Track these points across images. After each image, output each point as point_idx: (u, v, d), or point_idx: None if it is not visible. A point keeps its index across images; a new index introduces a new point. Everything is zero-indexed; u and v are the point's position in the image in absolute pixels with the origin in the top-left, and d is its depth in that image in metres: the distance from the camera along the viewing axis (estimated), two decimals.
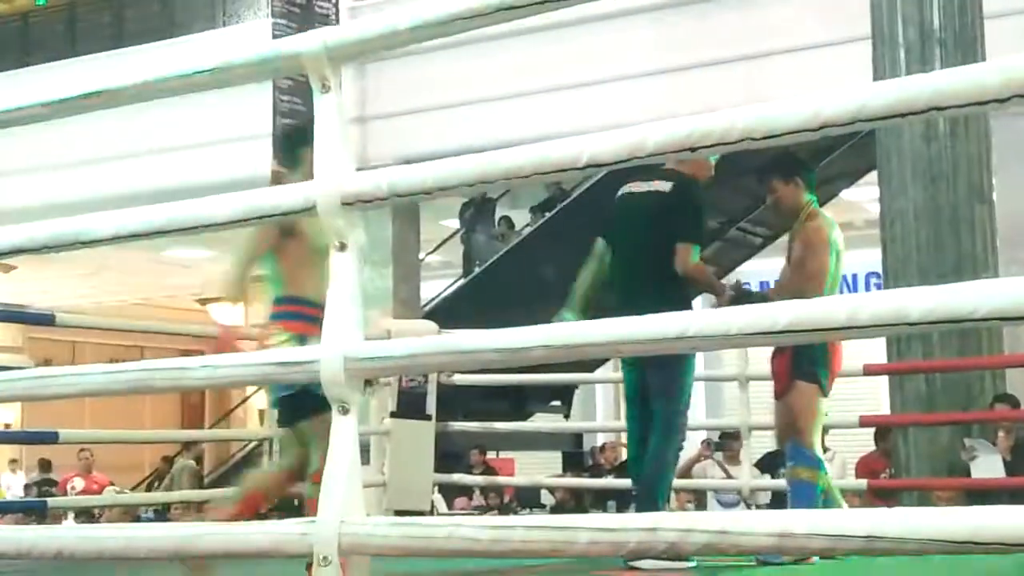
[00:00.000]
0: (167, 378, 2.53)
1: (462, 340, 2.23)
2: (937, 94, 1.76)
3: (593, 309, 4.52)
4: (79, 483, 11.87)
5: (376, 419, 7.51)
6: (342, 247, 2.29)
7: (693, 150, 1.98)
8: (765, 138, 1.89)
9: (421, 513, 6.69)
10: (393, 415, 7.20)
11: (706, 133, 1.94)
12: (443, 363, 2.43)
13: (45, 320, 6.61)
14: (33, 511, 8.42)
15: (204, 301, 19.73)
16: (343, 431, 2.25)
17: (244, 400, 18.83)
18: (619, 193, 4.93)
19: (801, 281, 4.61)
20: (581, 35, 10.61)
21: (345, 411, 2.24)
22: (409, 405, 7.15)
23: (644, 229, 4.68)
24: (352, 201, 2.28)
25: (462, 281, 12.16)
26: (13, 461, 13.27)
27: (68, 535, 2.58)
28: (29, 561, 4.00)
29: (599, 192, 11.09)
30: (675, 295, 4.48)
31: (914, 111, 1.80)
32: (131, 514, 9.95)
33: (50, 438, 8.27)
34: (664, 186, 4.71)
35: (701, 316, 2.00)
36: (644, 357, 4.57)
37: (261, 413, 17.60)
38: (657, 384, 4.80)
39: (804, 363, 4.61)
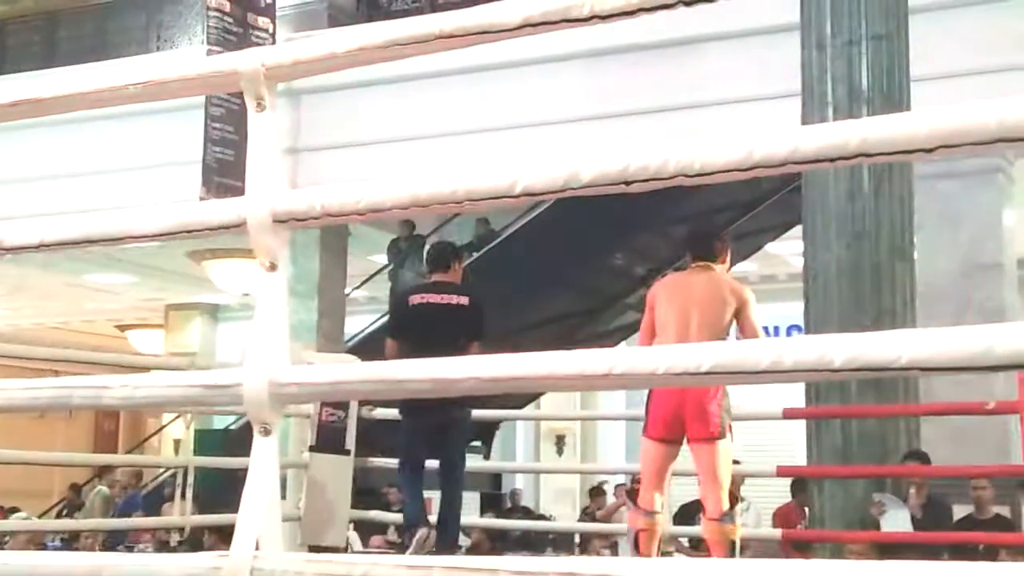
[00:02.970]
0: (86, 396, 2.47)
1: (390, 368, 2.21)
2: (866, 141, 1.79)
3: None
4: None
5: (295, 452, 7.44)
6: (271, 267, 2.27)
7: (628, 183, 1.99)
8: (699, 175, 1.91)
9: (336, 550, 6.61)
10: (312, 449, 7.13)
11: (642, 167, 1.95)
12: (370, 391, 2.39)
13: None
14: None
15: (124, 328, 19.46)
16: (263, 455, 2.20)
17: (159, 429, 18.56)
18: (413, 302, 6.17)
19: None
20: (517, 77, 10.69)
21: (267, 432, 2.20)
22: (328, 439, 7.08)
23: (445, 332, 5.72)
24: (284, 219, 2.26)
25: (387, 318, 12.12)
26: None
27: None
28: None
29: (528, 234, 11.18)
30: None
31: (844, 155, 1.83)
32: (36, 542, 9.71)
33: None
34: (463, 300, 6.07)
35: (628, 354, 2.00)
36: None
37: (176, 443, 17.34)
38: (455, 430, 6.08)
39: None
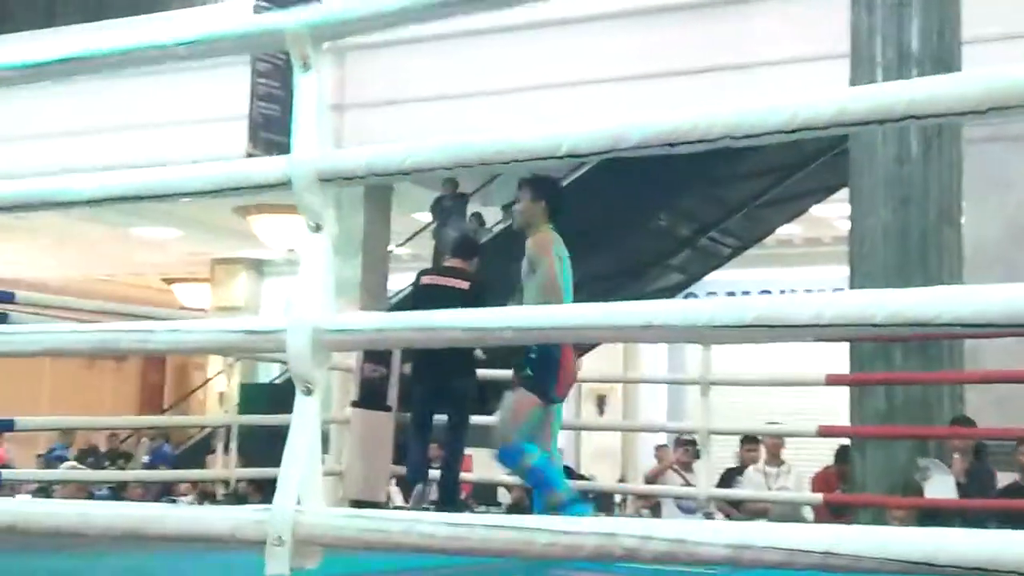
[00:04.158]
0: (133, 340, 2.50)
1: (430, 318, 2.22)
2: (915, 102, 1.77)
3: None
4: None
5: (337, 407, 7.50)
6: (317, 228, 2.28)
7: (674, 145, 1.98)
8: (745, 137, 1.90)
9: (376, 504, 6.67)
10: (354, 404, 7.19)
11: (689, 129, 1.94)
12: (410, 339, 2.41)
13: (4, 298, 6.54)
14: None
15: (170, 281, 19.63)
16: (306, 412, 2.22)
17: (205, 382, 18.74)
18: (424, 282, 6.69)
19: (538, 292, 5.04)
20: (565, 36, 10.62)
21: (309, 391, 2.22)
22: (370, 395, 7.13)
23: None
24: (329, 177, 2.27)
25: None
26: None
27: (22, 509, 2.55)
28: None
29: (570, 193, 11.12)
30: (471, 362, 6.48)
31: (892, 118, 1.81)
32: (85, 491, 9.86)
33: (4, 426, 8.16)
34: (463, 284, 6.39)
35: (668, 307, 2.00)
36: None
37: (221, 396, 17.51)
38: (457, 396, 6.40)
39: (530, 370, 5.03)
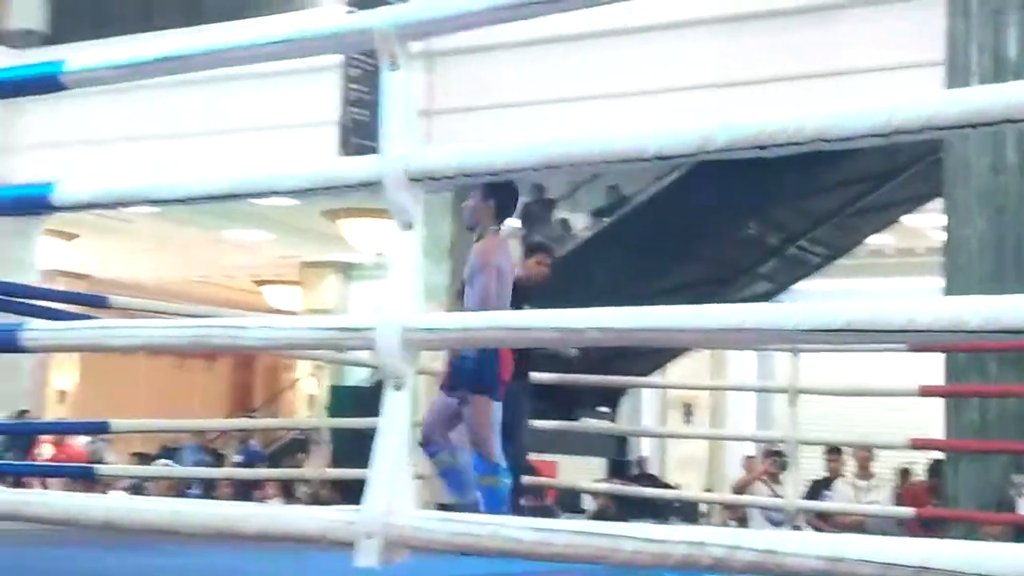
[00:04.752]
0: (225, 336, 2.53)
1: (517, 317, 2.22)
2: (1012, 106, 1.74)
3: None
4: (48, 450, 11.88)
5: (424, 410, 7.54)
6: (406, 227, 2.29)
7: (764, 147, 1.96)
8: (837, 140, 1.87)
9: (464, 508, 6.69)
10: None
11: (778, 131, 1.92)
12: (498, 338, 2.41)
13: (97, 302, 6.71)
14: (81, 477, 8.51)
15: (261, 283, 19.92)
16: (396, 410, 2.23)
17: (294, 383, 18.97)
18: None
19: (477, 304, 5.00)
20: (654, 41, 10.58)
21: (399, 387, 2.23)
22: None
23: None
24: (419, 176, 2.28)
25: None
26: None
27: (117, 505, 2.60)
28: (75, 529, 4.07)
29: (659, 201, 11.08)
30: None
31: (988, 122, 1.77)
32: (177, 488, 10.04)
33: (100, 429, 8.41)
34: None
35: (759, 309, 1.98)
36: None
37: (310, 397, 17.73)
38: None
39: (469, 377, 4.95)
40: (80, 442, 12.63)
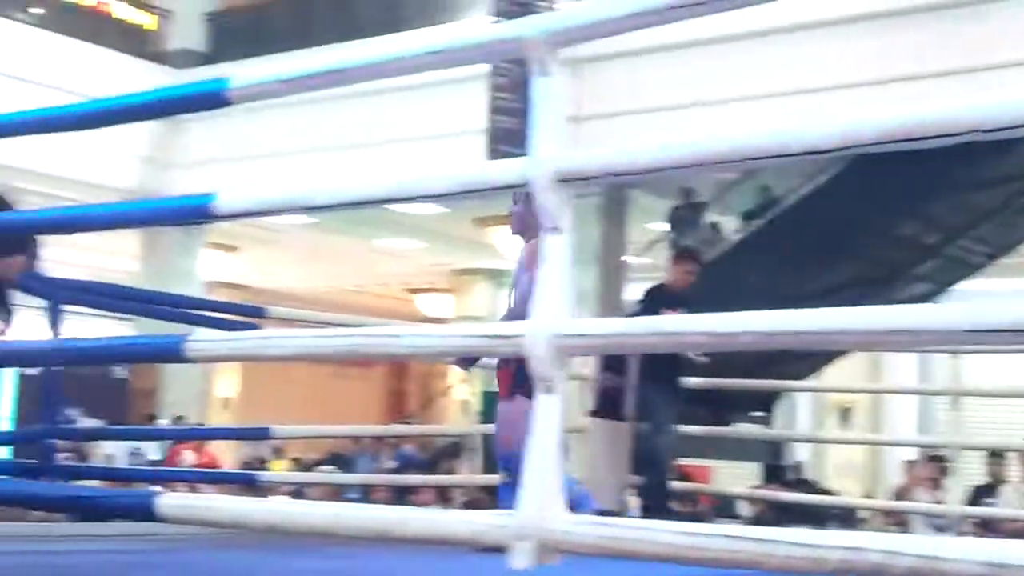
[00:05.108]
0: (377, 344, 2.59)
1: (667, 323, 2.21)
2: None
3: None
4: (190, 456, 12.21)
5: (573, 416, 7.57)
6: (555, 230, 2.30)
7: (917, 139, 1.90)
8: (997, 129, 1.81)
9: (612, 513, 6.69)
10: (591, 414, 7.24)
11: (932, 122, 1.86)
12: (649, 344, 2.40)
13: (256, 313, 6.97)
14: (244, 483, 8.77)
15: (413, 291, 20.21)
16: (548, 413, 2.24)
17: (447, 390, 19.18)
18: None
19: (520, 298, 4.88)
20: (800, 41, 10.41)
21: (549, 392, 2.24)
22: (607, 404, 7.17)
23: None
24: (567, 178, 2.29)
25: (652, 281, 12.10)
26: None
27: (280, 509, 2.68)
28: (239, 532, 4.20)
29: (811, 200, 10.88)
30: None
31: None
32: (338, 493, 10.25)
33: (261, 434, 8.69)
34: None
35: (924, 310, 1.93)
36: None
37: (463, 404, 17.91)
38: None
39: (524, 379, 4.72)
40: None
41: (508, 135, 11.12)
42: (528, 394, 4.94)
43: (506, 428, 5.08)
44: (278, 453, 14.52)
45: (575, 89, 11.16)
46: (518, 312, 5.01)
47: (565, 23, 2.37)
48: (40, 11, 14.36)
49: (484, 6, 12.22)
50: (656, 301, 6.80)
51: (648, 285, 7.08)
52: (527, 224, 5.19)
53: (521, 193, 5.24)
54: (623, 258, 12.48)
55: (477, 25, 12.06)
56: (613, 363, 6.96)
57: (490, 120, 11.44)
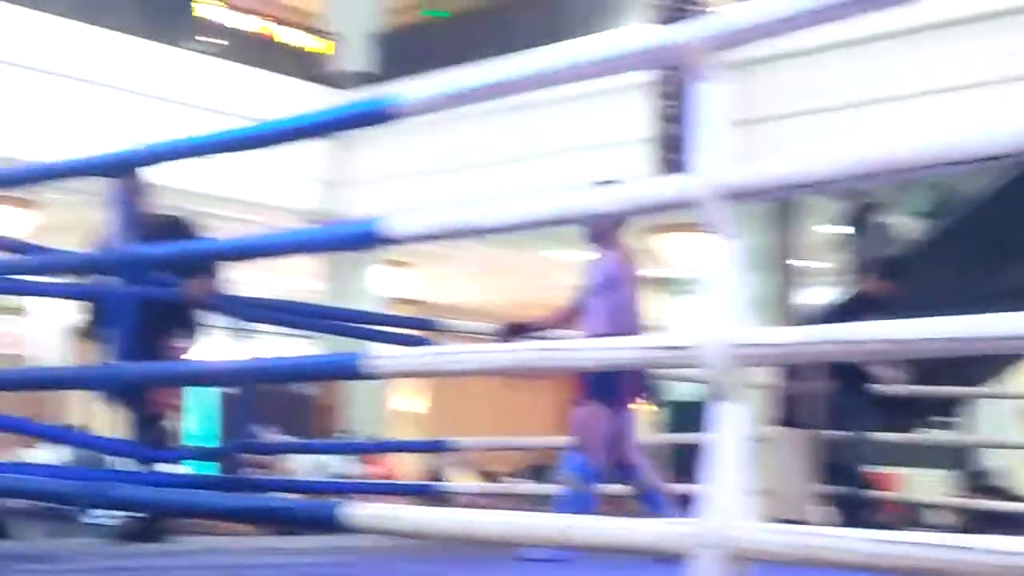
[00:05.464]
0: (551, 358, 2.61)
1: (850, 330, 2.16)
2: None
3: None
4: (369, 469, 12.37)
5: (756, 424, 7.47)
6: (723, 242, 2.28)
7: None
8: None
9: (797, 523, 6.56)
10: (772, 422, 7.14)
11: None
12: (828, 352, 2.36)
13: (426, 326, 7.20)
14: (424, 494, 8.93)
15: None
16: (727, 423, 2.22)
17: None
18: None
19: (609, 314, 4.96)
20: (988, 32, 10.05)
21: (729, 402, 2.22)
22: (791, 412, 7.06)
23: None
24: (731, 194, 2.26)
25: (845, 290, 11.82)
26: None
27: (463, 519, 2.72)
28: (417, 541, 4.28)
29: (996, 199, 10.47)
30: None
31: None
32: (513, 503, 10.32)
33: (439, 447, 8.86)
34: None
35: None
36: None
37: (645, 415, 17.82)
38: None
39: (597, 387, 4.86)
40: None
41: (674, 142, 11.05)
42: (603, 400, 4.95)
43: (579, 433, 5.08)
44: (466, 466, 14.71)
45: (745, 90, 11.01)
46: (615, 324, 4.97)
47: (724, 27, 2.34)
48: (215, 40, 14.91)
49: (644, 12, 12.19)
50: (852, 310, 6.68)
51: (840, 293, 6.95)
52: (601, 231, 5.17)
53: None
54: (794, 263, 12.27)
55: (637, 31, 12.03)
56: (796, 370, 6.85)
57: (655, 128, 11.39)
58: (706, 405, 2.29)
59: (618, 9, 13.33)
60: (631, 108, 11.49)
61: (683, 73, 2.36)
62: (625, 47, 2.57)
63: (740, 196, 2.28)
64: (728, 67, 2.35)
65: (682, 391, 14.54)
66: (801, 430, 6.92)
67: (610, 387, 4.97)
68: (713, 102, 2.32)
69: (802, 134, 10.78)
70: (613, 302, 5.04)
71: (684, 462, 8.13)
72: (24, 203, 13.27)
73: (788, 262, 12.06)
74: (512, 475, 13.17)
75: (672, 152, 11.08)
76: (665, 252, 14.30)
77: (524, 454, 14.56)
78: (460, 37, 15.22)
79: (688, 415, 10.49)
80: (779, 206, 11.62)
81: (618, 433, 5.13)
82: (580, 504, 4.85)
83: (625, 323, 4.96)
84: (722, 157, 2.29)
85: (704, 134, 2.31)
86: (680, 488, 7.74)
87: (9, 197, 12.65)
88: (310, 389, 14.50)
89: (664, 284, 18.06)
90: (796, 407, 6.96)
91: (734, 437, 2.21)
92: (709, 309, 2.28)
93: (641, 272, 5.23)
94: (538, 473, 13.36)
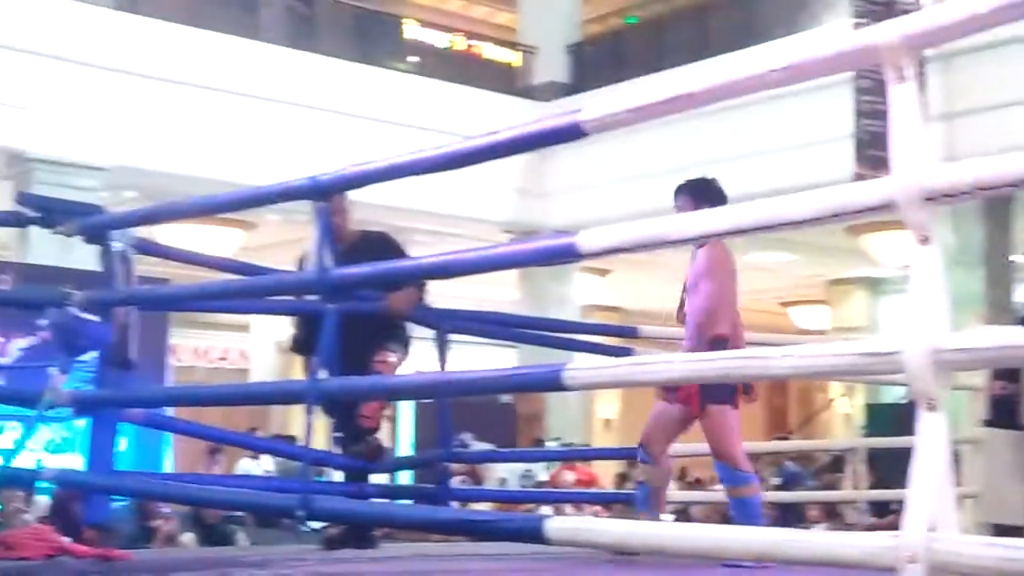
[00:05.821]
0: (751, 366, 2.58)
1: None
2: None
3: None
4: (570, 476, 12.32)
5: (968, 426, 7.22)
6: (924, 240, 2.23)
7: None
8: None
9: (1016, 528, 6.30)
10: (986, 423, 6.89)
11: None
12: None
13: (628, 333, 7.19)
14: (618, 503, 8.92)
15: (786, 304, 19.89)
16: (932, 432, 2.16)
17: (828, 404, 18.73)
18: None
19: (701, 306, 4.82)
20: None
21: (932, 408, 2.16)
22: (1002, 413, 6.79)
23: None
24: (933, 196, 2.20)
25: None
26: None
27: (663, 532, 2.72)
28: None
29: None
30: None
31: None
32: (720, 512, 10.21)
33: (632, 455, 8.84)
34: None
35: None
36: None
37: (846, 417, 17.42)
38: None
39: (719, 389, 4.61)
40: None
41: (876, 139, 10.76)
42: (729, 401, 4.80)
43: (719, 438, 4.95)
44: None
45: (946, 84, 10.65)
46: (702, 322, 4.85)
47: (924, 25, 2.28)
48: (416, 59, 15.28)
49: (845, 10, 11.91)
50: None
51: None
52: None
53: (681, 192, 5.12)
54: (1011, 258, 11.78)
55: (837, 31, 11.77)
56: (1006, 371, 6.58)
57: (857, 125, 11.11)
58: (906, 408, 2.23)
59: (814, 11, 13.07)
60: (835, 104, 11.23)
61: (883, 72, 2.30)
62: (813, 52, 2.53)
63: (941, 197, 2.22)
64: (929, 62, 2.29)
65: (883, 394, 14.14)
66: (1015, 431, 6.64)
67: (730, 387, 4.82)
68: (909, 102, 2.26)
69: (1004, 128, 10.34)
70: (703, 295, 4.95)
71: (885, 468, 7.92)
72: (240, 224, 13.91)
73: (1003, 257, 11.59)
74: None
75: (874, 149, 10.79)
76: (876, 251, 13.96)
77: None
78: (653, 44, 15.20)
79: (889, 418, 10.23)
80: (992, 200, 11.18)
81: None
82: (751, 511, 4.75)
83: (725, 316, 4.87)
84: (923, 157, 2.24)
85: (905, 134, 2.26)
86: (878, 495, 7.59)
87: (226, 219, 13.26)
88: (509, 398, 14.68)
89: (875, 284, 17.62)
90: (1008, 407, 6.68)
91: (938, 444, 2.15)
92: (913, 312, 2.22)
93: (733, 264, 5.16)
94: None
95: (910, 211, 2.21)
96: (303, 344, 5.59)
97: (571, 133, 3.12)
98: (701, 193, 5.16)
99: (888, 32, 2.29)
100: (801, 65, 2.53)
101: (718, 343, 4.73)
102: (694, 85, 2.70)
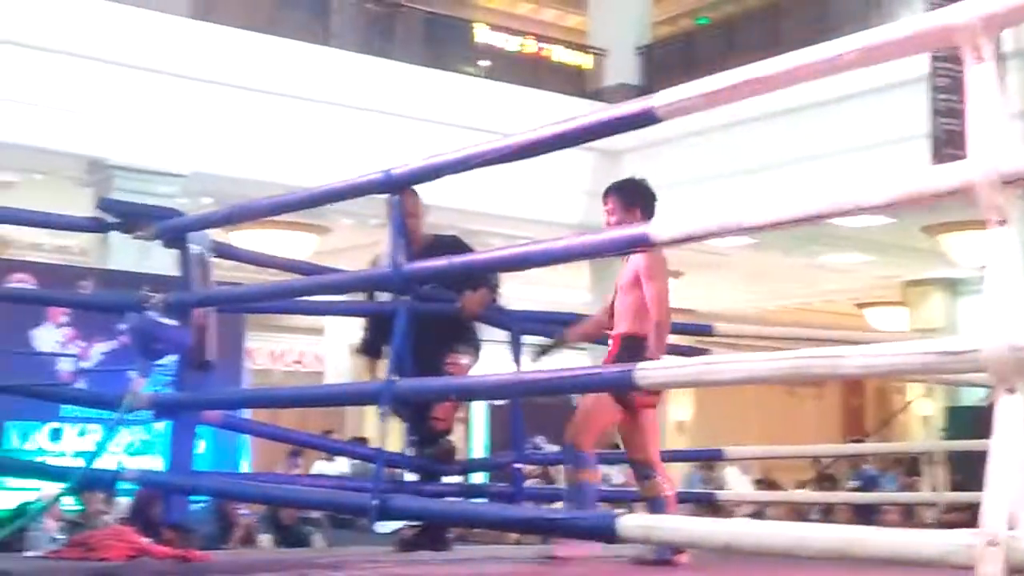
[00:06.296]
0: (823, 366, 2.55)
1: None
2: None
3: None
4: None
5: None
6: (1002, 223, 2.18)
7: None
8: None
9: None
10: None
11: None
12: None
13: (703, 331, 7.20)
14: (702, 503, 8.89)
15: (861, 305, 19.65)
16: (1012, 430, 2.11)
17: (906, 405, 18.46)
18: None
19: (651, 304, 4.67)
20: None
21: (1011, 401, 2.11)
22: None
23: None
24: (1012, 179, 2.15)
25: None
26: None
27: (738, 530, 2.70)
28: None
29: None
30: None
31: None
32: (798, 512, 10.13)
33: (715, 455, 8.84)
34: None
35: None
36: None
37: (924, 419, 17.17)
38: None
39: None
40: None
41: (953, 138, 10.59)
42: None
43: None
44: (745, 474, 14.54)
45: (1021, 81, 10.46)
46: (661, 320, 4.74)
47: (1002, 4, 2.23)
48: (487, 63, 15.32)
49: (920, 6, 11.74)
50: None
51: None
52: (625, 222, 4.84)
53: (610, 194, 5.02)
54: None
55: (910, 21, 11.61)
56: None
57: (933, 124, 10.95)
58: (989, 411, 2.19)
59: (888, 8, 12.90)
60: (911, 103, 11.08)
61: (961, 55, 2.26)
62: (887, 33, 2.50)
63: (1020, 180, 2.16)
64: (1008, 59, 2.25)
65: (965, 396, 13.92)
66: None
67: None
68: (987, 83, 2.21)
69: None
70: (652, 295, 4.84)
71: (965, 471, 7.78)
72: (314, 228, 14.05)
73: None
74: (805, 484, 12.87)
75: (952, 148, 10.62)
76: (952, 251, 13.74)
77: (810, 462, 14.19)
78: (724, 45, 15.10)
79: (969, 421, 10.04)
80: None
81: None
82: (587, 496, 4.80)
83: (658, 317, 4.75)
84: (1001, 140, 2.19)
85: (982, 116, 2.21)
86: (957, 496, 7.44)
87: (300, 223, 13.39)
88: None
89: (954, 285, 17.34)
90: None
91: (1016, 444, 2.11)
92: (991, 304, 2.18)
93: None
94: (825, 482, 13.04)
95: (988, 194, 2.16)
96: (371, 345, 5.63)
97: (644, 119, 3.12)
98: (630, 194, 5.11)
99: (965, 12, 2.25)
100: (876, 46, 2.50)
101: (640, 343, 4.71)
102: (767, 68, 2.69)
